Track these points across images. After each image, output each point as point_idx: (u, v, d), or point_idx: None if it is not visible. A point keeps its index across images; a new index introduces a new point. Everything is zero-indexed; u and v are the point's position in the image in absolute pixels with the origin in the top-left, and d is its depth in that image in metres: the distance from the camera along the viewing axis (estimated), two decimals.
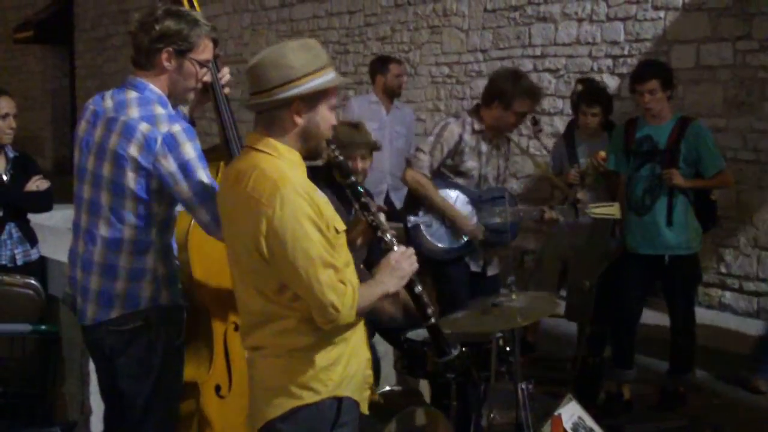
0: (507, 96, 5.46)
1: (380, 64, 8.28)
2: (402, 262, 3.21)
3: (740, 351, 7.24)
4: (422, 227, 5.54)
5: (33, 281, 5.12)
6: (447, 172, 5.63)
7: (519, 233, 6.03)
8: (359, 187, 3.36)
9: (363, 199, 3.33)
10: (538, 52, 10.28)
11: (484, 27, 10.97)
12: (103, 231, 3.63)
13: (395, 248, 3.25)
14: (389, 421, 4.35)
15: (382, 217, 3.42)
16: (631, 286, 6.19)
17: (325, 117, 3.13)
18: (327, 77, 3.08)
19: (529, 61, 10.38)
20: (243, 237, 3.04)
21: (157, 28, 3.57)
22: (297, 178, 3.04)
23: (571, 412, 4.55)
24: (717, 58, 8.44)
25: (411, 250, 3.26)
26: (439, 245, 5.59)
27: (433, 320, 3.41)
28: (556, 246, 6.98)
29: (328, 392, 3.12)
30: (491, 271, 5.82)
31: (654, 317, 7.25)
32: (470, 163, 5.61)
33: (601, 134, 6.73)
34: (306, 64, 3.03)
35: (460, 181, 5.64)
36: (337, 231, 3.09)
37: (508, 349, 4.44)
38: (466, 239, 5.60)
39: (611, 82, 9.38)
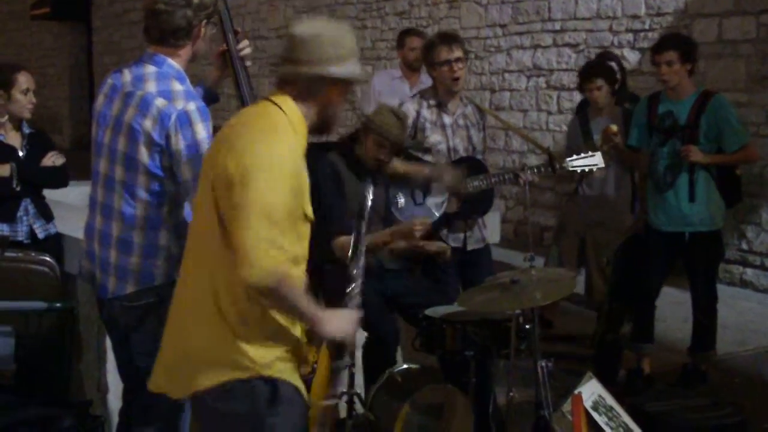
0: (426, 57, 5.68)
1: (399, 39, 8.21)
2: (352, 325, 3.11)
3: (762, 328, 7.18)
4: (392, 209, 5.46)
5: (48, 258, 5.10)
6: (414, 151, 5.60)
7: (536, 209, 5.95)
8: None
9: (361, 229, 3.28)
10: (557, 26, 10.20)
11: (503, 1, 10.89)
12: (117, 205, 3.63)
13: (352, 304, 3.14)
14: (407, 399, 4.33)
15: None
16: (652, 262, 6.12)
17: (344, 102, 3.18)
18: (359, 67, 3.15)
19: (549, 35, 10.30)
20: (217, 167, 2.94)
21: (196, 1, 3.60)
22: (296, 143, 3.00)
23: (591, 390, 4.51)
24: (739, 32, 8.34)
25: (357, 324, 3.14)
26: None
27: (332, 402, 3.22)
28: (573, 222, 6.92)
29: (257, 370, 2.97)
30: (472, 245, 5.75)
31: (675, 294, 7.19)
32: (434, 137, 5.60)
33: (614, 108, 6.66)
34: (352, 48, 3.10)
35: (429, 158, 5.60)
36: (305, 216, 3.02)
37: (527, 326, 4.40)
38: (438, 214, 5.53)
39: (632, 57, 9.30)
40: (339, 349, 3.07)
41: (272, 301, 2.91)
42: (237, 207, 2.83)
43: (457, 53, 5.55)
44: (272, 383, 2.99)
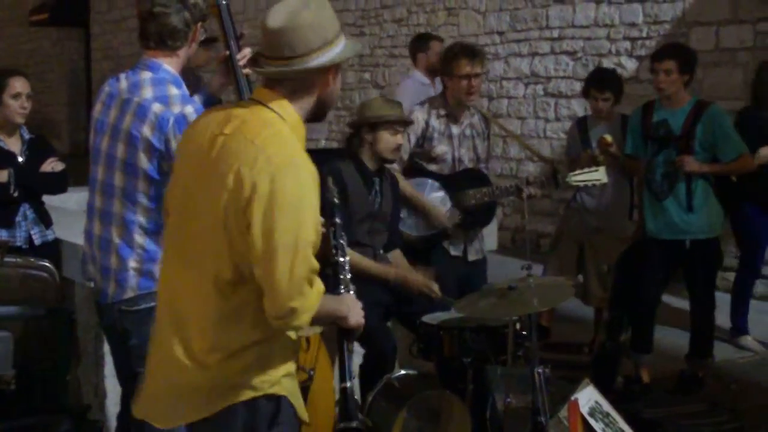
0: (445, 65, 5.62)
1: (421, 43, 8.02)
2: (358, 308, 2.95)
3: (758, 336, 7.18)
4: None
5: (47, 263, 5.10)
6: (420, 159, 5.62)
7: (533, 217, 5.94)
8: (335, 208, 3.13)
9: (336, 219, 3.08)
10: (555, 34, 10.22)
11: (501, 9, 10.91)
12: (117, 211, 3.65)
13: (350, 291, 2.99)
14: (404, 405, 4.34)
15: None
16: (651, 271, 6.12)
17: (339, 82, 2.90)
18: (349, 41, 2.85)
19: (547, 43, 10.33)
20: (221, 195, 2.64)
21: (192, 1, 3.64)
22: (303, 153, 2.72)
23: (588, 396, 4.51)
24: (737, 41, 8.36)
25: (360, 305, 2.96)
26: (413, 234, 5.54)
27: (349, 384, 3.04)
28: (572, 229, 6.93)
29: (265, 390, 2.78)
30: (473, 256, 5.77)
31: (673, 301, 7.19)
32: (441, 148, 5.61)
33: (613, 118, 6.66)
34: (334, 24, 2.78)
35: (433, 167, 5.62)
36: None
37: (524, 333, 4.41)
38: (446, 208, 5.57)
39: (629, 65, 9.33)
40: (352, 333, 2.97)
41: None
42: (270, 249, 2.58)
43: (477, 69, 5.54)
44: (276, 400, 2.81)
